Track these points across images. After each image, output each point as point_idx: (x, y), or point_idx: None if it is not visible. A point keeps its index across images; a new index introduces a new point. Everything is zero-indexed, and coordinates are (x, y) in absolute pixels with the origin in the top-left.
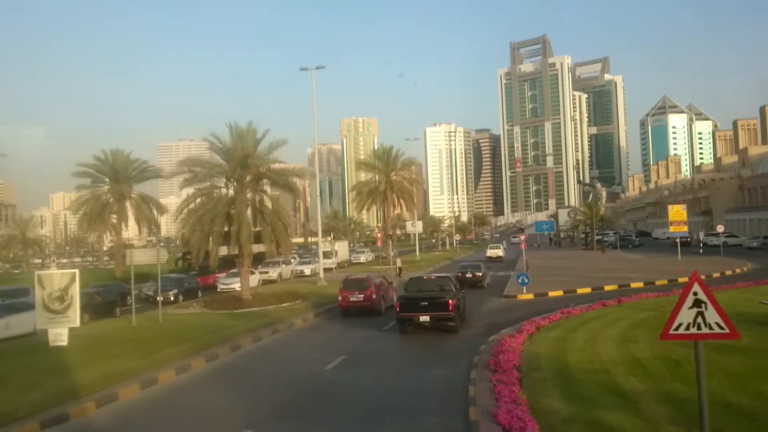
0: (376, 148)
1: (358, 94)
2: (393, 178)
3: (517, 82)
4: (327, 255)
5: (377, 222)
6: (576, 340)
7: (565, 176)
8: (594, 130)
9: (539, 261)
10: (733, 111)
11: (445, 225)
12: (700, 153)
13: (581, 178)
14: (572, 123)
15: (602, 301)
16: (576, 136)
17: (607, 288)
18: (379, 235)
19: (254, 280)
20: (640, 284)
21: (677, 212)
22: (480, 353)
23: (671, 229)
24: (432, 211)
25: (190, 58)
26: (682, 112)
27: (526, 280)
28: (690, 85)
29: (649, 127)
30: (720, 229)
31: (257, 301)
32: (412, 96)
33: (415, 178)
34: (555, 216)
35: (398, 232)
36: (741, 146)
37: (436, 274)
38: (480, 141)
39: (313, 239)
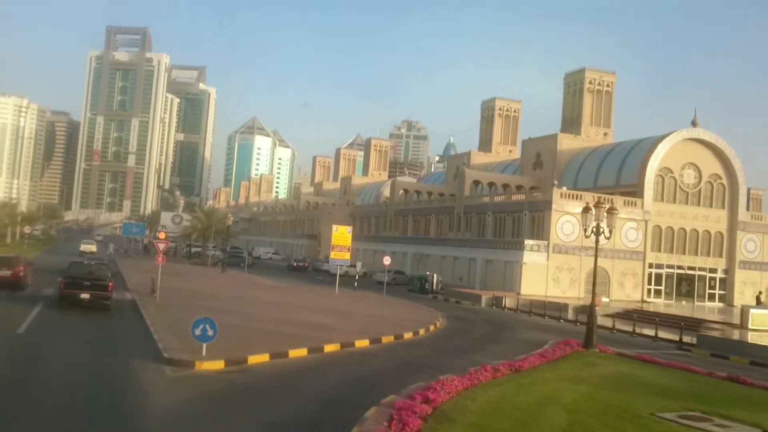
0: None
1: None
2: None
3: (108, 69)
4: None
5: None
6: None
7: (145, 178)
8: (181, 136)
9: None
10: (308, 144)
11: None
12: (278, 177)
13: (161, 183)
14: (161, 125)
15: (398, 402)
16: (163, 139)
17: (328, 348)
18: None
19: None
20: (365, 342)
21: (342, 235)
22: None
23: (332, 255)
24: None
25: None
26: (268, 135)
27: (210, 332)
28: (277, 112)
29: (236, 144)
30: (387, 261)
31: None
32: None
33: None
34: (150, 219)
35: None
36: (342, 174)
37: (95, 261)
38: (56, 124)
39: None
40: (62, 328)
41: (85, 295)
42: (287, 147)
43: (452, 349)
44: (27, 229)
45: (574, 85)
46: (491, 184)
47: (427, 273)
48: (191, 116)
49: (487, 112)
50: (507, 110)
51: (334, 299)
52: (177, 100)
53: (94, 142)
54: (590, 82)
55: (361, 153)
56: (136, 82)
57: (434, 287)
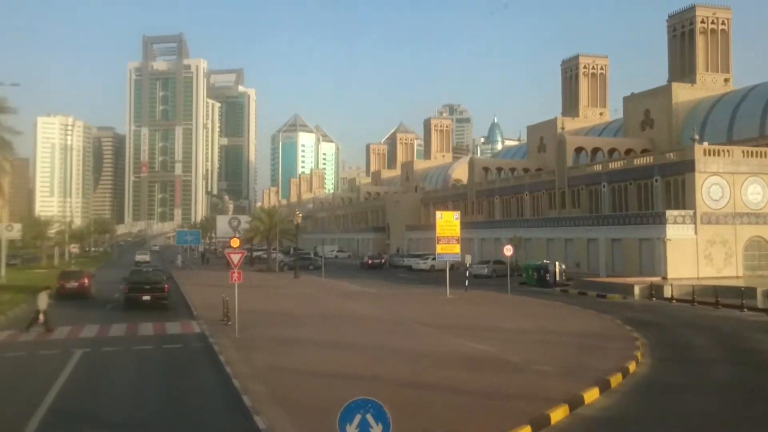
0: None
1: None
2: None
3: (148, 79)
4: None
5: None
6: None
7: (193, 186)
8: (225, 140)
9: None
10: (350, 137)
11: (55, 230)
12: (324, 172)
13: (209, 189)
14: (204, 131)
15: None
16: (207, 145)
17: (555, 416)
18: None
19: None
20: (594, 392)
21: (448, 223)
22: None
23: (439, 249)
24: (38, 215)
25: None
26: (311, 131)
27: (377, 429)
28: (318, 108)
29: (280, 143)
30: (509, 252)
31: None
32: (20, 77)
33: None
34: (204, 225)
35: None
36: (401, 159)
37: (153, 267)
38: (102, 140)
39: None
40: (103, 399)
41: (146, 297)
42: (331, 141)
43: (734, 395)
44: (73, 248)
45: (681, 27)
46: (595, 151)
47: (545, 261)
48: (233, 119)
49: (569, 73)
50: (593, 68)
51: (455, 307)
52: (217, 105)
53: (140, 154)
54: (702, 22)
55: (419, 137)
56: (176, 90)
57: (557, 278)
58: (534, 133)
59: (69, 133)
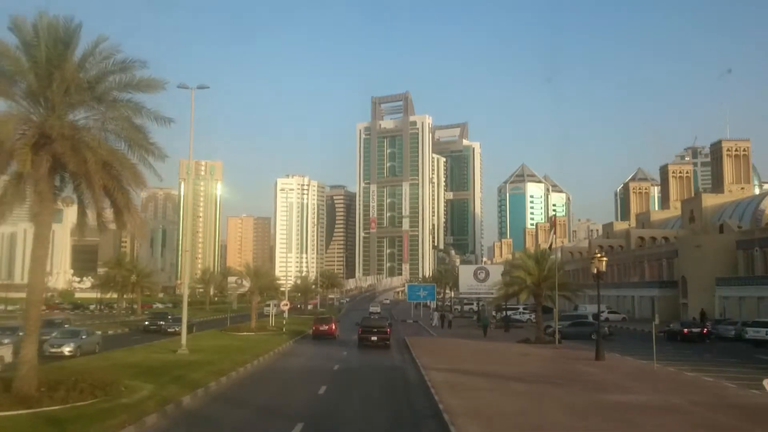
0: (219, 194)
1: (199, 136)
2: (63, 120)
3: (376, 138)
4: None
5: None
6: None
7: (420, 240)
8: (450, 195)
9: (508, 396)
10: (582, 186)
11: (282, 282)
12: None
13: (436, 244)
14: (430, 186)
15: None
16: (433, 199)
17: None
18: None
19: None
20: None
21: None
22: None
23: None
24: (278, 271)
25: None
26: (539, 181)
27: None
28: (544, 158)
29: (507, 195)
30: None
31: None
32: (263, 143)
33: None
34: (438, 278)
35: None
36: (676, 197)
37: (379, 316)
38: (335, 197)
39: None
40: None
41: (374, 338)
42: (561, 192)
43: None
44: (285, 305)
45: None
46: None
47: None
48: (458, 173)
49: None
50: None
51: None
52: (442, 160)
53: (369, 210)
54: None
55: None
56: (403, 146)
57: None
58: None
59: (305, 192)
